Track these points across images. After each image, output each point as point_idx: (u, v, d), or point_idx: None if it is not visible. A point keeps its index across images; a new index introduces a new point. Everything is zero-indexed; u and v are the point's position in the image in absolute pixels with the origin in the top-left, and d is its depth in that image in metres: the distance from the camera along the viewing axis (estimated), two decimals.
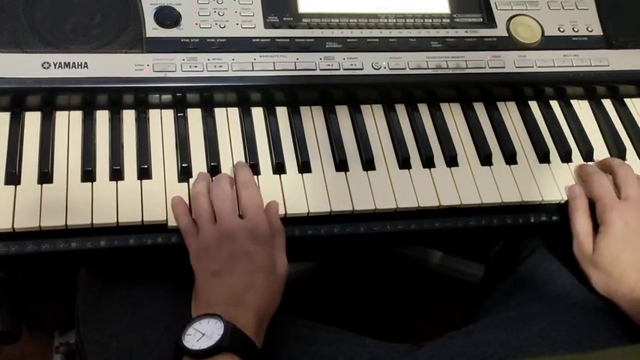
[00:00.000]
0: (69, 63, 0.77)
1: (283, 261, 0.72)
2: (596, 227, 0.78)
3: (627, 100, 0.93)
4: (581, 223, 0.79)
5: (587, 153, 0.86)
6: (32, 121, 0.77)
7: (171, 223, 0.73)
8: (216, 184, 0.75)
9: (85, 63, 0.78)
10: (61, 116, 0.78)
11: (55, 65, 0.77)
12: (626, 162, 0.85)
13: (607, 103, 0.92)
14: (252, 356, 0.65)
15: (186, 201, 0.74)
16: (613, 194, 0.78)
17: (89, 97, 0.78)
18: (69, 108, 0.79)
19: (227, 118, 0.82)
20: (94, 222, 0.71)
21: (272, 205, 0.75)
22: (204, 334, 0.64)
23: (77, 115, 0.79)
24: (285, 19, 0.85)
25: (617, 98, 0.93)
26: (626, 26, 0.92)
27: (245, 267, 0.69)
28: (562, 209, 0.82)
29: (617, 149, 0.87)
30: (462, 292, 1.20)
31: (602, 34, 0.91)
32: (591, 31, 0.91)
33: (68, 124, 0.78)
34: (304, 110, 0.84)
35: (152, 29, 0.81)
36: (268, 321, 0.70)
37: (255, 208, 0.73)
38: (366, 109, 0.85)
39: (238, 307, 0.67)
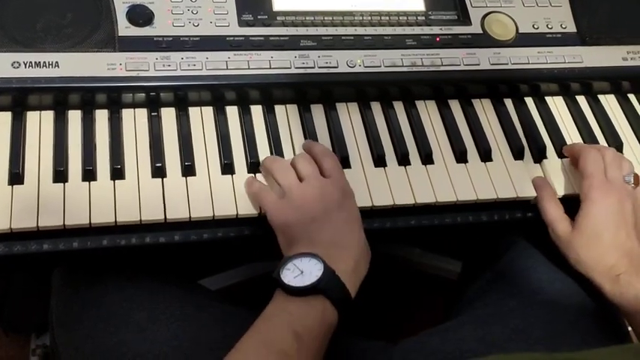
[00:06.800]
0: (40, 62, 0.76)
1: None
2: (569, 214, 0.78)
3: (601, 97, 0.93)
4: (552, 210, 0.79)
5: (562, 149, 0.86)
6: (2, 121, 0.76)
7: (145, 218, 0.72)
8: (297, 156, 0.76)
9: (57, 62, 0.77)
10: (32, 116, 0.77)
11: (25, 64, 0.76)
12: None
13: (581, 100, 0.92)
14: (345, 305, 0.65)
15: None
16: (603, 175, 0.78)
17: (61, 97, 0.78)
18: (40, 108, 0.78)
19: (201, 117, 0.81)
20: (67, 223, 0.70)
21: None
22: (302, 272, 0.64)
23: (49, 115, 0.78)
24: (259, 17, 0.84)
25: (591, 95, 0.93)
26: (599, 23, 0.92)
27: (342, 215, 0.71)
28: (537, 206, 0.82)
29: None
30: (441, 289, 1.20)
31: (575, 30, 0.92)
32: (565, 27, 0.92)
33: (39, 124, 0.77)
34: (279, 109, 0.84)
35: (125, 28, 0.80)
36: (361, 279, 0.70)
37: (339, 172, 0.75)
38: (341, 107, 0.85)
39: (339, 247, 0.67)
